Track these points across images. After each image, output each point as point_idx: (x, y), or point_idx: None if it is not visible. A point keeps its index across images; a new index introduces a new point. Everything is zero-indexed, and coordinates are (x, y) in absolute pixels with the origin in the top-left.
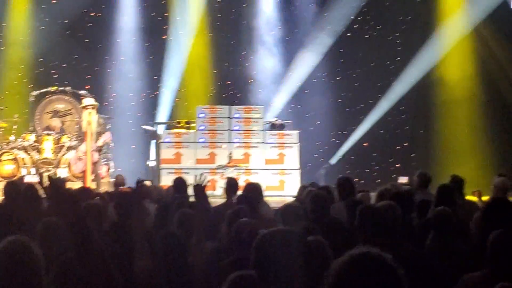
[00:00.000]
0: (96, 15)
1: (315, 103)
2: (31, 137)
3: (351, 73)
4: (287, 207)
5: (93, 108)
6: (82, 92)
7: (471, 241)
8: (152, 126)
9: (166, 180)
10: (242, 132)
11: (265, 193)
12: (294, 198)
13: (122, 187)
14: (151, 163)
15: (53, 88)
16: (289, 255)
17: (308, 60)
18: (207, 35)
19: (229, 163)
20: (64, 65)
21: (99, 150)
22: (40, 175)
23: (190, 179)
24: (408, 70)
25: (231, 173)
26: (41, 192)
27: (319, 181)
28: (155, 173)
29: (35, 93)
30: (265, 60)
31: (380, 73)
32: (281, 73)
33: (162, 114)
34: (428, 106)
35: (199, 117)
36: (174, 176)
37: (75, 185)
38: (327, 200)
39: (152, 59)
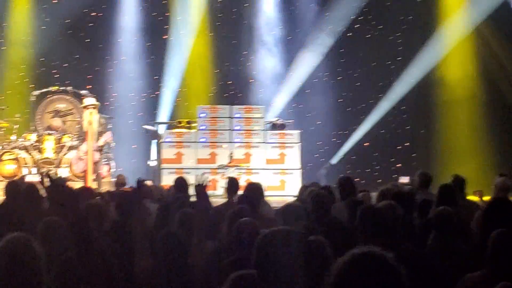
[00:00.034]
0: (97, 15)
1: (316, 103)
2: (32, 137)
3: (352, 73)
4: (287, 207)
5: (94, 108)
6: (83, 92)
7: (472, 241)
8: (153, 126)
9: (167, 180)
10: (243, 132)
11: (266, 193)
12: (295, 198)
13: (123, 187)
14: (152, 163)
15: (54, 88)
16: (290, 254)
17: (308, 60)
18: (208, 35)
19: (230, 163)
20: (65, 65)
21: (100, 149)
22: (41, 174)
23: (191, 179)
24: (409, 70)
25: (232, 173)
26: (42, 192)
27: (320, 181)
28: (156, 173)
29: (36, 93)
30: (266, 60)
31: (381, 73)
32: (282, 73)
33: (163, 114)
34: (429, 106)
35: (200, 117)
36: (175, 176)
37: (76, 184)
38: (328, 200)
39: (153, 59)
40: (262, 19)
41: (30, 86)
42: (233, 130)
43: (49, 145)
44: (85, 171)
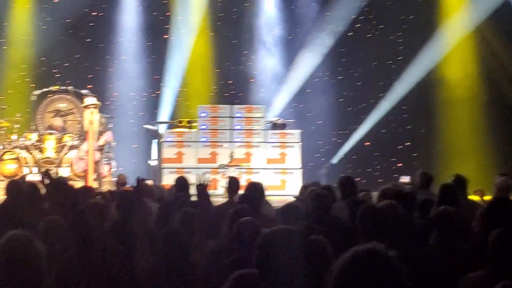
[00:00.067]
0: (98, 14)
1: (317, 102)
2: (33, 136)
3: (352, 73)
4: (287, 207)
5: (95, 108)
6: (84, 91)
7: (473, 240)
8: (154, 125)
9: (168, 180)
10: (243, 131)
11: (266, 192)
12: (295, 198)
13: (124, 186)
14: (153, 163)
15: (55, 88)
16: (291, 254)
17: (309, 60)
18: (209, 34)
19: (230, 162)
20: (66, 64)
21: (100, 149)
22: (41, 173)
23: (191, 179)
24: (410, 69)
25: (233, 172)
26: (43, 191)
27: (321, 181)
28: (157, 172)
29: (37, 92)
30: (266, 59)
31: (382, 72)
32: (282, 73)
33: (164, 113)
34: (429, 105)
35: (200, 117)
36: (175, 176)
37: (77, 184)
38: (328, 199)
39: (154, 59)
40: (262, 18)
41: (31, 85)
42: (233, 129)
43: (50, 144)
44: (86, 171)
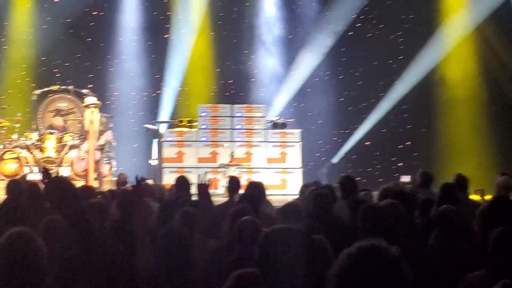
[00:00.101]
0: (99, 14)
1: (317, 102)
2: (34, 136)
3: (353, 72)
4: (286, 206)
5: (95, 107)
6: (85, 91)
7: (473, 240)
8: (154, 125)
9: (168, 179)
10: (244, 131)
11: (267, 192)
12: (296, 197)
13: (124, 185)
14: (153, 162)
15: (56, 87)
16: (292, 253)
17: (310, 59)
18: (209, 34)
19: (231, 162)
20: (67, 64)
21: (101, 148)
22: (41, 171)
23: (192, 178)
24: (410, 69)
25: (233, 172)
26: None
27: (321, 180)
28: (157, 172)
29: (37, 92)
30: (267, 59)
31: (382, 72)
32: (282, 72)
33: (164, 113)
34: (430, 105)
35: (201, 116)
36: (176, 175)
37: (77, 183)
38: (329, 198)
39: (154, 58)
40: (263, 18)
41: (32, 85)
42: (234, 129)
43: (50, 144)
44: (86, 170)
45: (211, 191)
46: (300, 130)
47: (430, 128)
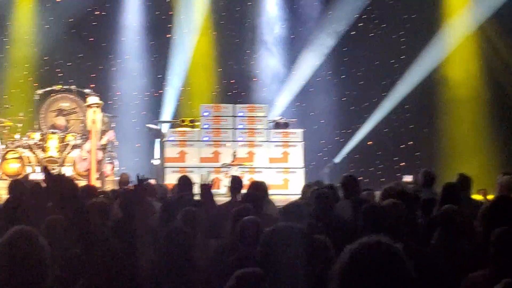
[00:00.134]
0: (101, 13)
1: (319, 101)
2: (36, 136)
3: (355, 72)
4: (289, 206)
5: (97, 107)
6: (87, 90)
7: (476, 239)
8: (157, 124)
9: (171, 179)
10: (246, 130)
11: (269, 191)
12: (298, 197)
13: (126, 185)
14: (156, 162)
15: (58, 87)
16: (294, 252)
17: (312, 59)
18: (211, 33)
19: (233, 161)
20: (69, 63)
21: (103, 148)
22: (42, 170)
23: (194, 178)
24: (413, 68)
25: (235, 171)
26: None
27: (324, 180)
28: (160, 171)
29: (40, 91)
30: (269, 58)
31: (384, 71)
32: (285, 72)
33: (167, 112)
34: (432, 105)
35: (203, 116)
36: (178, 175)
37: (80, 183)
38: (331, 198)
39: (157, 58)
40: (265, 18)
41: (34, 85)
42: (236, 129)
43: (52, 143)
44: (88, 170)
45: (213, 191)
46: (302, 130)
47: (432, 128)
